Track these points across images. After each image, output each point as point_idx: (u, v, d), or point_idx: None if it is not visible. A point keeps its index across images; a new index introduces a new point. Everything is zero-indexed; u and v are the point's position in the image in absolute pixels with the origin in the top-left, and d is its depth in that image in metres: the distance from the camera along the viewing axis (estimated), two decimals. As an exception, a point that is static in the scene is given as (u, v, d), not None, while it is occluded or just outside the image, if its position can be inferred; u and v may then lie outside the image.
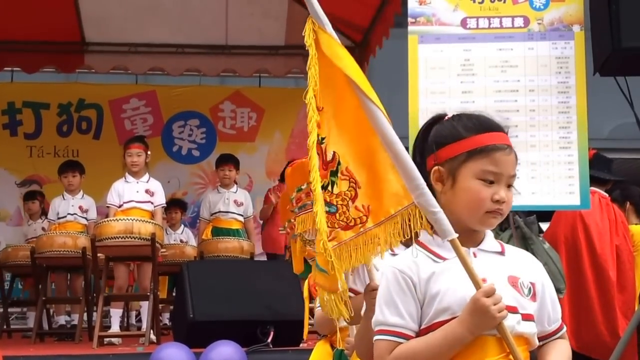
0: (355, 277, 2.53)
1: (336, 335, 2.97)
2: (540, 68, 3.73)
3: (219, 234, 6.81)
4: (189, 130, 9.01)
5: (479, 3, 3.79)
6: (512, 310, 1.56)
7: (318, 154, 1.84)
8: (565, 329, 1.72)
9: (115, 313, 6.10)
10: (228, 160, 7.11)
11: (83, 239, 6.16)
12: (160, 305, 6.45)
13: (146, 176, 6.12)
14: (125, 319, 7.18)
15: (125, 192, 6.00)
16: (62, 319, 7.11)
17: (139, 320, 7.25)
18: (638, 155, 11.65)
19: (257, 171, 8.86)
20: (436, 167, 1.63)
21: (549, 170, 3.64)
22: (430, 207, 1.57)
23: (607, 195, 4.75)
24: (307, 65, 1.79)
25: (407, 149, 1.68)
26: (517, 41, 3.75)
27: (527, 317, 1.60)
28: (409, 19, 3.81)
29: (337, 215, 1.79)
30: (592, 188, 4.20)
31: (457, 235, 1.55)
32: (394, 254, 1.71)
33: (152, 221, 5.79)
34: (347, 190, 1.77)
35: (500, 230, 3.88)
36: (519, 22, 3.76)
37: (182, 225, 7.95)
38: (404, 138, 1.75)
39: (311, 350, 3.21)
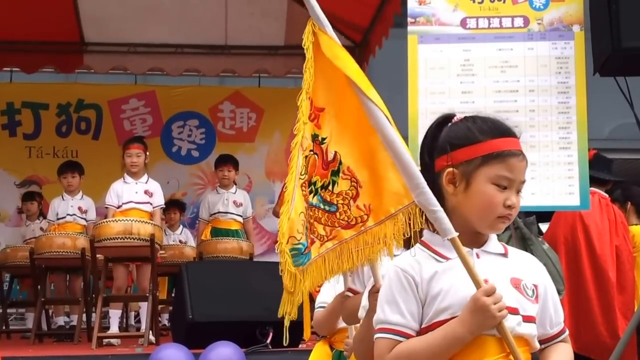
0: (354, 277, 2.52)
1: (335, 336, 2.96)
2: (540, 68, 3.73)
3: (218, 235, 6.80)
4: (188, 130, 9.00)
5: (479, 3, 3.78)
6: (513, 311, 1.56)
7: (317, 154, 1.85)
8: (567, 332, 1.72)
9: (114, 314, 6.09)
10: (227, 161, 7.10)
11: (82, 239, 6.15)
12: (159, 306, 6.44)
13: (145, 177, 6.11)
14: (124, 320, 7.16)
15: (124, 193, 5.99)
16: (61, 320, 7.10)
17: (138, 321, 7.25)
18: (638, 156, 11.64)
19: (257, 172, 8.85)
20: (450, 169, 1.62)
21: (548, 171, 3.63)
22: (431, 206, 1.58)
23: (607, 195, 4.75)
24: (304, 68, 1.80)
25: None
26: (517, 41, 3.74)
27: (528, 319, 1.60)
28: (409, 19, 3.81)
29: (338, 214, 1.80)
30: (592, 188, 4.20)
31: (457, 234, 1.55)
32: (397, 255, 1.71)
33: (151, 222, 5.79)
34: (349, 189, 1.78)
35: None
36: (518, 22, 3.76)
37: (181, 226, 7.94)
38: (403, 138, 1.74)
39: (310, 351, 3.20)
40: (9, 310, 7.47)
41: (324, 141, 1.84)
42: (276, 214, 7.54)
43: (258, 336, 4.90)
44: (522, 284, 1.61)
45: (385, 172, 1.69)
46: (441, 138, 1.67)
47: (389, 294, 1.59)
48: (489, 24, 3.78)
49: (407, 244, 1.71)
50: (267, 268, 6.01)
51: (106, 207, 6.09)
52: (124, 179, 6.07)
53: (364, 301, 2.13)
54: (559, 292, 4.10)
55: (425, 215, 1.61)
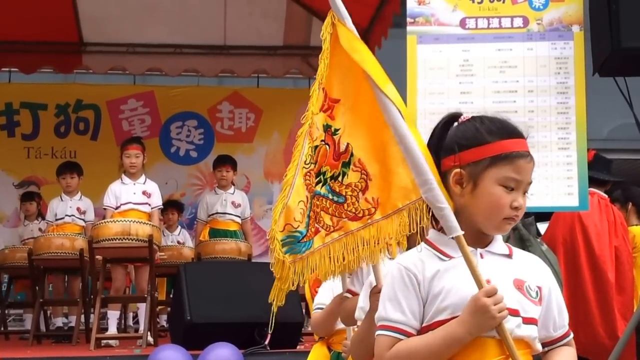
0: (353, 279, 2.52)
1: (333, 338, 2.95)
2: (539, 68, 3.71)
3: (216, 236, 6.79)
4: (186, 131, 8.99)
5: (478, 3, 3.77)
6: (514, 313, 1.56)
7: (328, 144, 1.85)
8: (572, 335, 1.70)
9: (113, 315, 6.07)
10: (225, 162, 7.09)
11: (80, 240, 6.14)
12: (158, 307, 6.42)
13: (143, 177, 6.10)
14: (123, 321, 7.15)
15: (122, 194, 5.98)
16: (59, 321, 7.08)
17: (137, 322, 7.23)
18: (637, 156, 11.64)
19: (255, 172, 8.84)
20: (457, 170, 1.61)
21: (547, 172, 3.62)
22: (438, 203, 1.57)
23: (606, 196, 4.74)
24: (319, 59, 1.80)
25: None
26: (516, 41, 3.73)
27: (528, 321, 1.59)
28: (408, 19, 3.79)
29: (345, 205, 1.81)
30: (591, 189, 4.19)
31: (462, 232, 1.55)
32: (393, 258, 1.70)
33: (149, 223, 5.78)
34: (358, 181, 1.78)
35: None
36: (518, 22, 3.74)
37: (179, 227, 7.93)
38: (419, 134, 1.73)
39: (308, 352, 3.19)
40: (7, 312, 7.44)
41: (337, 132, 1.85)
42: None
43: (256, 337, 4.89)
44: (525, 286, 1.61)
45: (395, 166, 1.69)
46: (448, 138, 1.66)
47: (391, 292, 1.59)
48: (489, 24, 3.76)
49: (409, 245, 1.70)
50: (266, 269, 5.95)
51: (104, 208, 6.08)
52: (121, 179, 6.06)
53: (361, 302, 2.12)
54: (558, 294, 4.09)
55: (431, 212, 1.61)
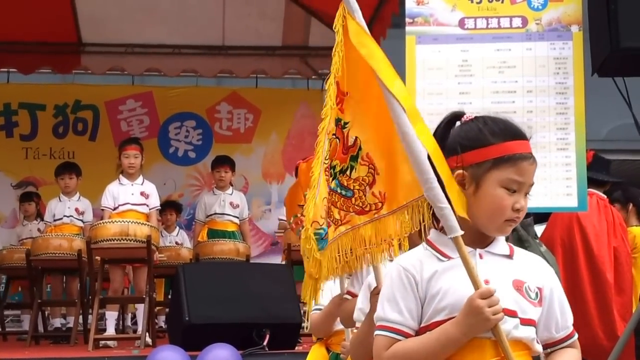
0: (353, 280, 2.51)
1: (332, 339, 2.95)
2: (538, 69, 3.70)
3: (214, 236, 6.78)
4: (185, 131, 8.98)
5: (477, 3, 3.76)
6: (511, 314, 1.55)
7: (339, 138, 1.85)
8: (576, 337, 1.68)
9: (111, 316, 6.06)
10: (224, 162, 7.08)
11: (78, 241, 6.13)
12: (156, 307, 6.41)
13: (140, 178, 6.09)
14: (121, 322, 7.14)
15: (120, 195, 5.97)
16: (57, 322, 7.06)
17: (135, 323, 7.22)
18: (636, 157, 11.64)
19: (253, 173, 8.83)
20: (460, 171, 1.61)
21: (546, 172, 3.62)
22: (439, 202, 1.56)
23: (605, 196, 4.73)
24: (333, 51, 1.78)
25: None
26: (515, 41, 3.72)
27: (526, 322, 1.58)
28: (407, 19, 3.79)
29: (353, 199, 1.81)
30: (590, 189, 4.19)
31: (462, 232, 1.54)
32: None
33: (147, 223, 5.77)
34: (366, 175, 1.77)
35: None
36: (517, 22, 3.73)
37: (178, 227, 7.91)
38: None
39: (307, 353, 3.19)
40: (5, 312, 7.43)
41: (346, 126, 1.84)
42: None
43: (255, 338, 4.89)
44: (525, 287, 1.60)
45: (401, 162, 1.68)
46: (450, 138, 1.65)
47: (389, 292, 1.59)
48: (487, 24, 3.76)
49: (410, 245, 1.69)
50: (264, 270, 6.00)
51: (102, 209, 6.06)
52: (119, 180, 6.05)
53: (359, 303, 2.11)
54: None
55: (432, 212, 1.60)
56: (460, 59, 3.73)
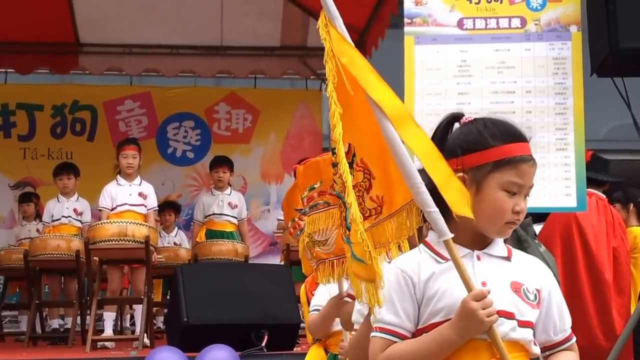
0: (352, 282, 2.49)
1: (330, 340, 2.94)
2: (537, 69, 3.70)
3: (212, 237, 6.77)
4: (183, 132, 8.96)
5: (476, 4, 3.75)
6: (509, 315, 1.55)
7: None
8: (574, 339, 1.68)
9: (109, 316, 6.05)
10: (222, 163, 7.07)
11: (77, 241, 6.12)
12: (154, 308, 6.40)
13: (138, 179, 6.08)
14: (119, 323, 7.12)
15: (118, 195, 5.96)
16: (55, 323, 7.05)
17: (133, 324, 7.21)
18: (635, 157, 11.65)
19: (252, 173, 8.82)
20: (460, 174, 1.60)
21: (545, 172, 3.61)
22: (427, 207, 1.55)
23: (604, 196, 4.72)
24: (324, 59, 1.76)
25: None
26: (514, 42, 3.71)
27: (524, 324, 1.58)
28: (405, 20, 3.78)
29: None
30: (590, 190, 4.18)
31: (452, 235, 1.53)
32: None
33: (146, 224, 5.76)
34: (362, 181, 1.76)
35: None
36: (515, 22, 3.73)
37: (176, 228, 7.90)
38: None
39: (305, 354, 3.18)
40: (3, 313, 7.42)
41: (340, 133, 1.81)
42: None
43: (253, 339, 4.88)
44: (523, 288, 1.60)
45: (394, 165, 1.66)
46: (450, 140, 1.65)
47: (386, 294, 1.59)
48: (486, 24, 3.75)
49: (410, 246, 1.69)
50: (263, 270, 5.99)
51: (99, 210, 6.05)
52: (117, 181, 6.04)
53: (358, 305, 2.10)
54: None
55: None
56: (459, 60, 3.72)
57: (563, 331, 1.66)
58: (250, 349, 4.79)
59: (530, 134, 1.65)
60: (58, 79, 9.26)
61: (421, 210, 1.57)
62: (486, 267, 1.59)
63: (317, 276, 2.55)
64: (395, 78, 4.21)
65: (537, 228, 4.69)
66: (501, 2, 3.74)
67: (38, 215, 7.48)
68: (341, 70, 1.72)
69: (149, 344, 5.60)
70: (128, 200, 5.95)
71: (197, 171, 8.87)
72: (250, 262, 6.79)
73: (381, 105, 1.60)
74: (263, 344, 4.86)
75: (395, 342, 1.56)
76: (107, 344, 5.81)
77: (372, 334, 1.60)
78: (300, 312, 5.13)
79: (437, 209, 1.54)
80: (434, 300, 1.55)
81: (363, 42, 7.46)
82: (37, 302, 6.25)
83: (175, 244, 7.46)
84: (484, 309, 1.48)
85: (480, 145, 1.60)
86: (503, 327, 1.53)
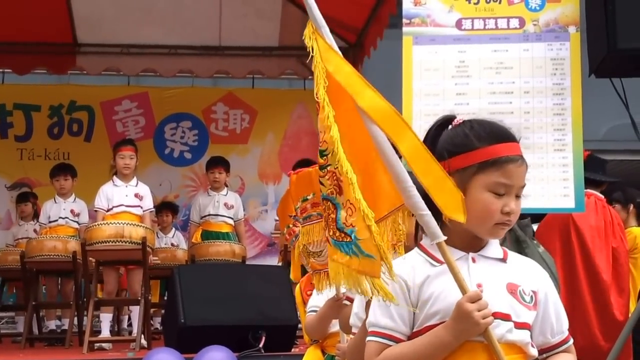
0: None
1: (327, 341, 2.93)
2: (535, 69, 3.70)
3: (208, 237, 6.75)
4: (181, 132, 8.94)
5: (474, 4, 3.75)
6: (505, 317, 1.54)
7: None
8: (571, 341, 1.68)
9: (105, 318, 6.03)
10: (218, 163, 7.05)
11: (73, 243, 6.10)
12: (151, 309, 6.39)
13: (134, 180, 6.06)
14: (117, 324, 7.11)
15: (115, 196, 5.94)
16: (52, 324, 7.03)
17: (130, 325, 7.19)
18: (633, 157, 11.65)
19: (249, 173, 8.80)
20: None
21: (543, 173, 3.61)
22: (419, 210, 1.54)
23: (602, 197, 4.72)
24: (313, 65, 1.76)
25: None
26: (513, 42, 3.71)
27: (521, 326, 1.57)
28: (404, 20, 3.77)
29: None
30: (588, 190, 4.18)
31: (445, 238, 1.52)
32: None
33: (143, 225, 5.74)
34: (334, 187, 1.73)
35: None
36: (514, 23, 3.72)
37: (174, 229, 7.88)
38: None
39: (302, 355, 3.17)
40: (0, 314, 7.40)
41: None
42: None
43: (251, 340, 4.87)
44: (519, 290, 1.59)
45: (380, 173, 1.65)
46: (439, 143, 1.64)
47: (381, 298, 1.56)
48: (485, 25, 3.74)
49: (406, 250, 1.68)
50: (260, 271, 5.99)
51: (95, 210, 6.03)
52: (113, 181, 6.02)
53: (356, 308, 2.09)
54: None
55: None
56: (458, 60, 3.72)
57: (560, 333, 1.65)
58: (248, 350, 4.78)
59: (521, 134, 1.64)
60: (55, 79, 9.23)
61: (413, 215, 1.56)
62: (481, 269, 1.58)
63: (314, 284, 2.55)
64: (393, 78, 4.21)
65: (536, 227, 4.69)
66: (500, 3, 3.74)
67: (36, 215, 7.46)
68: (325, 75, 1.72)
69: (146, 345, 5.59)
70: (124, 201, 5.94)
71: (194, 172, 8.84)
72: (247, 262, 6.78)
73: (369, 112, 1.60)
74: (260, 345, 4.85)
75: (391, 345, 1.56)
76: (104, 345, 5.80)
77: (368, 337, 1.60)
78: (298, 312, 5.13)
79: (429, 212, 1.53)
80: (429, 303, 1.55)
81: (361, 42, 7.45)
82: (34, 303, 6.24)
83: (172, 244, 7.44)
84: (479, 310, 1.47)
85: (465, 147, 1.59)
86: (499, 329, 1.52)
